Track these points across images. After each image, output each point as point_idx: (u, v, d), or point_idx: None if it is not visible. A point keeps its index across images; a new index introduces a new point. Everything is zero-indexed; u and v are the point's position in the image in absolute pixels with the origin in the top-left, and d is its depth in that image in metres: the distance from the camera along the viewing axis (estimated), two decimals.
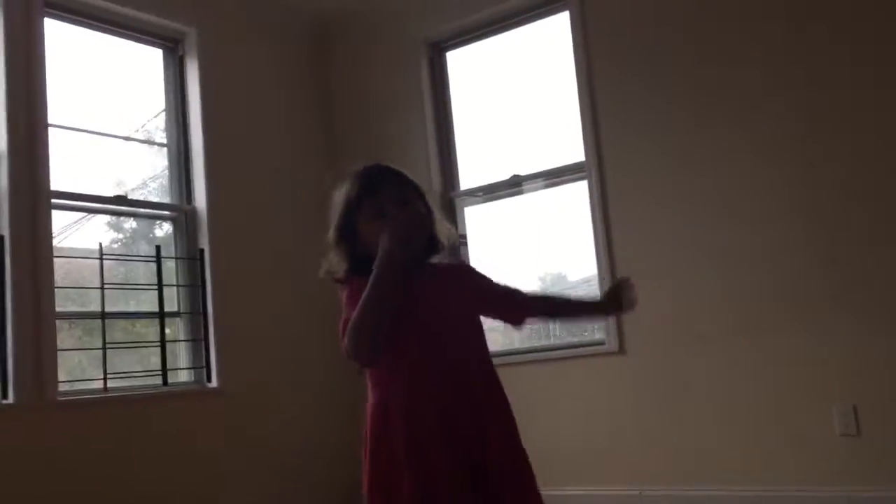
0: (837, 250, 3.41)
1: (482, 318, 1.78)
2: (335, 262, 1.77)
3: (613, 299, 1.85)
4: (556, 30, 4.28)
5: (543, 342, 4.28)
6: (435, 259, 1.81)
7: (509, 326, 1.89)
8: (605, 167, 4.00)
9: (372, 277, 1.62)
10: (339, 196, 1.77)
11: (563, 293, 1.92)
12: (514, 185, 4.43)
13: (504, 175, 4.45)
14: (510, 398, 1.74)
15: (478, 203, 4.64)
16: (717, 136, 3.72)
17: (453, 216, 4.60)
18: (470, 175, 4.65)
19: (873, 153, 3.37)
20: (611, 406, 3.81)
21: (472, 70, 4.71)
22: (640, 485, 3.70)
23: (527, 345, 4.31)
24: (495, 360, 1.78)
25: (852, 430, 3.34)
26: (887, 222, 3.33)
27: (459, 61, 4.74)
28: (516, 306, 1.83)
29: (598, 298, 1.90)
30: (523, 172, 4.40)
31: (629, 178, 3.95)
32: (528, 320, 1.85)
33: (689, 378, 3.63)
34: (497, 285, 1.83)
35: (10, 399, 3.38)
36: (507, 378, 1.78)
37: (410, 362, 1.66)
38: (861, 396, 3.34)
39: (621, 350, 3.80)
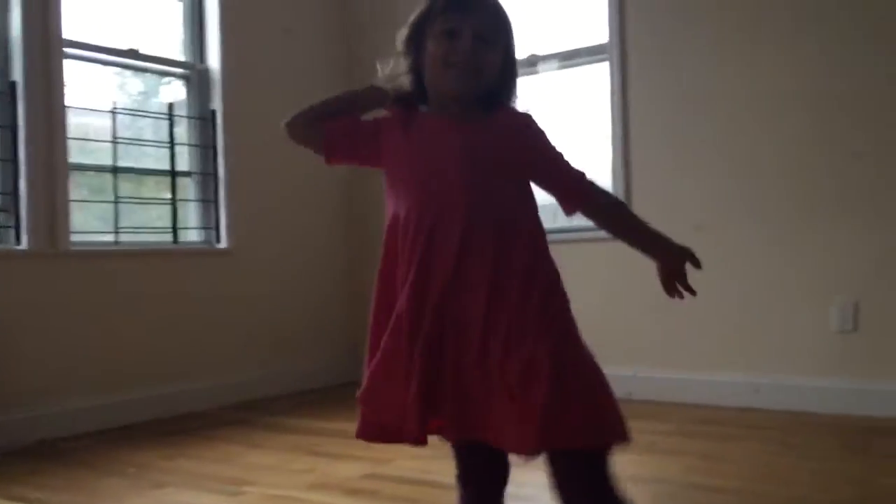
0: (855, 145, 3.39)
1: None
2: (393, 76, 1.54)
3: (672, 268, 1.53)
4: None
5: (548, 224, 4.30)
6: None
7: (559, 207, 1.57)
8: (628, 49, 3.92)
9: (345, 93, 1.61)
10: (417, 11, 1.52)
11: (635, 215, 1.58)
12: (530, 65, 4.35)
13: (522, 54, 4.37)
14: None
15: None
16: (746, 32, 3.63)
17: None
18: None
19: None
20: (609, 289, 3.87)
21: None
22: (634, 366, 3.79)
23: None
24: None
25: (849, 326, 3.41)
26: None
27: None
28: (572, 192, 1.52)
29: (668, 246, 1.53)
30: (541, 52, 4.31)
31: (651, 64, 3.88)
32: (580, 212, 1.54)
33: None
34: (558, 158, 1.51)
35: (24, 245, 3.43)
36: None
37: (405, 208, 1.49)
38: (861, 293, 3.39)
39: None
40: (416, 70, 1.51)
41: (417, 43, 1.50)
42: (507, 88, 1.53)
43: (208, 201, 4.20)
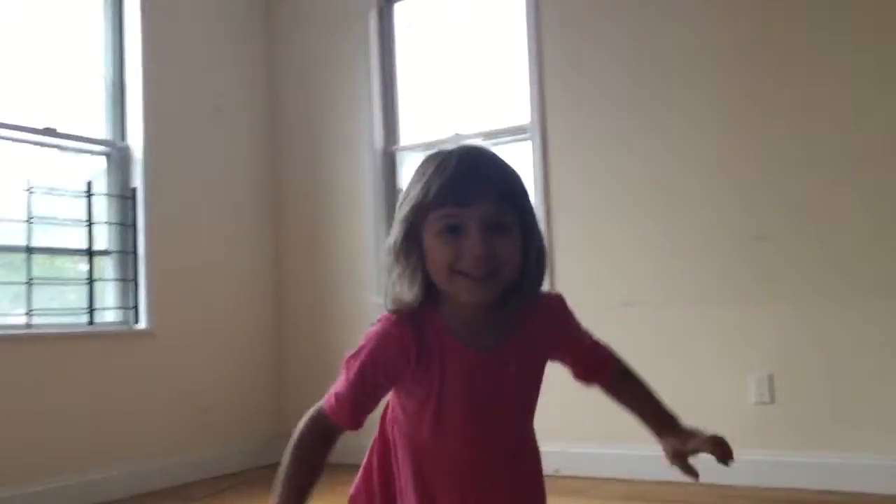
0: (769, 226, 3.54)
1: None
2: (398, 288, 1.22)
3: (681, 455, 1.42)
4: None
5: None
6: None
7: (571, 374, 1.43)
8: (549, 129, 4.04)
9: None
10: (409, 185, 1.23)
11: (647, 386, 1.48)
12: (454, 144, 4.43)
13: (446, 133, 4.46)
14: None
15: (418, 158, 4.63)
16: (662, 104, 3.79)
17: (393, 170, 4.60)
18: (411, 131, 4.64)
19: (810, 126, 3.49)
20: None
21: (420, 23, 4.68)
22: (560, 441, 3.80)
23: None
24: None
25: (766, 399, 3.49)
26: (820, 200, 3.46)
27: (407, 13, 4.70)
28: (593, 367, 1.41)
29: (677, 427, 1.41)
30: (465, 131, 4.41)
31: (572, 142, 4.00)
32: (597, 385, 1.43)
33: (615, 339, 3.73)
34: (584, 336, 1.39)
35: None
36: None
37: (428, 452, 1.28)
38: (777, 366, 3.49)
39: None
40: (421, 269, 1.20)
41: (414, 238, 1.20)
42: (534, 274, 1.24)
43: (127, 280, 4.10)
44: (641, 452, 3.62)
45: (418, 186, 1.19)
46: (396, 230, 1.22)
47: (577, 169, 3.98)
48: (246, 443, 4.40)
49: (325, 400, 1.28)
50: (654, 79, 3.82)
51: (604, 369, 1.39)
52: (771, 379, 3.49)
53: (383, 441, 1.35)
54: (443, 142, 4.41)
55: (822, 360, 3.41)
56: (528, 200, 1.23)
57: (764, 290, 3.53)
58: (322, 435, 1.28)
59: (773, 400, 3.48)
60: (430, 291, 1.22)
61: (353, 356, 1.26)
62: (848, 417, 3.34)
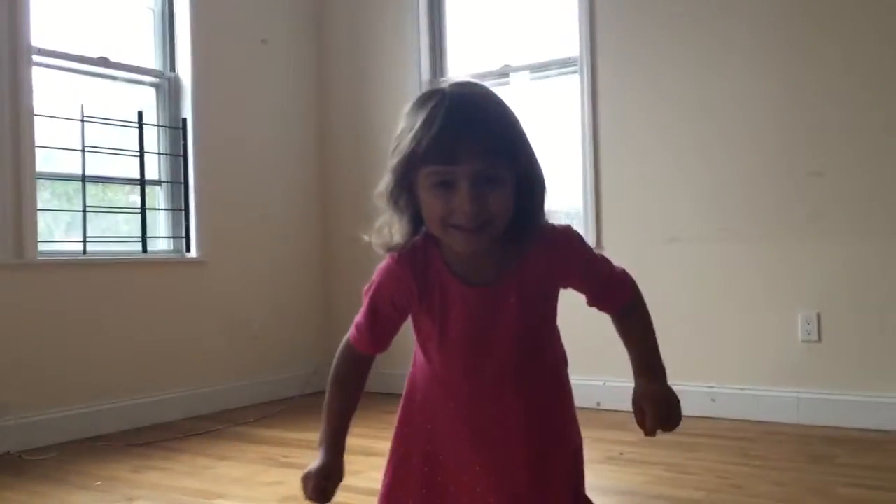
0: (819, 162, 3.46)
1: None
2: (389, 230, 1.26)
3: (641, 407, 1.36)
4: None
5: None
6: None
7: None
8: (598, 62, 3.97)
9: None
10: (400, 132, 1.22)
11: (645, 329, 1.40)
12: (502, 76, 4.39)
13: (494, 65, 4.40)
14: None
15: None
16: (716, 38, 3.70)
17: None
18: (459, 63, 4.59)
19: (853, 67, 3.38)
20: (579, 300, 3.90)
21: None
22: (602, 376, 3.83)
23: None
24: None
25: (814, 337, 3.47)
26: (868, 140, 3.37)
27: None
28: (602, 297, 1.37)
29: (648, 380, 1.38)
30: (513, 63, 4.35)
31: (621, 76, 3.93)
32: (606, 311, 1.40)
33: (662, 275, 3.72)
34: (595, 266, 1.34)
35: None
36: None
37: (441, 375, 1.32)
38: (825, 305, 3.46)
39: (598, 245, 3.87)
40: (410, 214, 1.24)
41: (406, 186, 1.22)
42: (531, 213, 1.23)
43: (178, 210, 4.18)
44: (682, 387, 3.65)
45: (408, 138, 1.18)
46: (388, 179, 1.23)
47: (625, 102, 3.92)
48: (294, 370, 4.52)
49: (350, 330, 1.37)
50: (708, 12, 3.71)
51: (612, 301, 1.37)
52: (819, 317, 3.46)
53: (412, 367, 1.42)
54: (491, 74, 4.37)
55: (870, 300, 3.37)
56: (522, 146, 1.21)
57: (814, 227, 3.48)
58: (352, 363, 1.38)
59: (819, 338, 3.46)
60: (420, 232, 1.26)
61: (367, 289, 1.33)
62: (893, 358, 3.31)
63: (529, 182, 1.22)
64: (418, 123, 1.17)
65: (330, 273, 4.80)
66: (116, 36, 4.09)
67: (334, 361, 1.38)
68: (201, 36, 4.22)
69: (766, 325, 3.57)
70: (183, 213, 4.18)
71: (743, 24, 3.64)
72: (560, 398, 1.36)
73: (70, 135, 3.77)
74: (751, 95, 3.62)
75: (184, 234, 4.18)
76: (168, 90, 4.22)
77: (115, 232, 4.01)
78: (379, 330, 1.33)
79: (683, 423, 1.35)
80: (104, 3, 4.05)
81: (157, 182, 4.17)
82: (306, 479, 1.31)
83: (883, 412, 3.29)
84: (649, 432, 1.30)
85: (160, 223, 4.19)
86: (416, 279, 1.26)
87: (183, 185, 4.18)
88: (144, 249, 4.02)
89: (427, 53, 4.56)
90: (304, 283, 4.72)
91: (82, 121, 3.78)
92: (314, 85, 4.83)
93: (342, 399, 1.38)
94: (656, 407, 1.31)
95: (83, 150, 3.78)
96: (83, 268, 3.73)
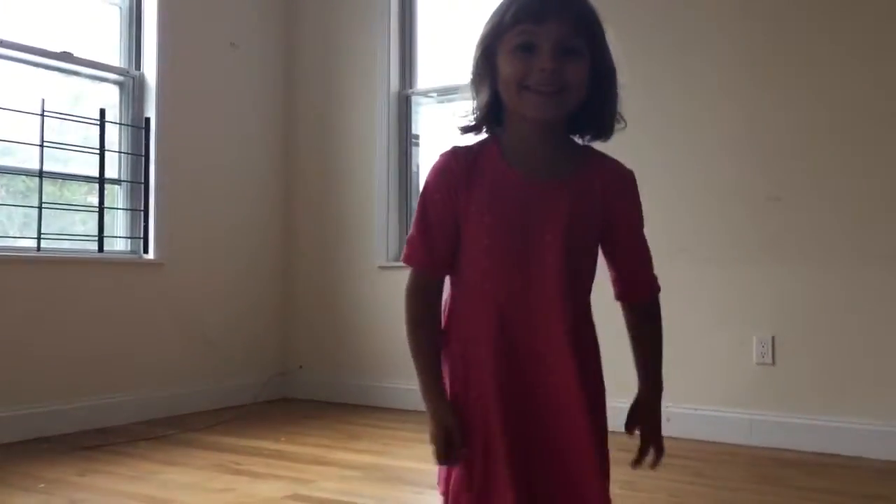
0: (777, 186, 3.52)
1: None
2: (470, 107, 1.29)
3: (644, 435, 1.39)
4: None
5: None
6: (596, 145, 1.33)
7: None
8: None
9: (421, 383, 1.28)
10: (491, 16, 1.28)
11: (655, 342, 1.43)
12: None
13: (463, 78, 4.41)
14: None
15: (432, 104, 4.61)
16: (670, 69, 3.74)
17: (408, 114, 4.57)
18: (428, 75, 4.59)
19: (811, 92, 3.45)
20: None
21: None
22: None
23: None
24: None
25: (768, 360, 3.51)
26: (827, 167, 3.43)
27: None
28: (628, 289, 1.38)
29: (647, 390, 1.40)
30: None
31: None
32: (627, 302, 1.39)
33: None
34: (641, 236, 1.37)
35: None
36: None
37: (474, 287, 1.26)
38: (780, 328, 3.50)
39: None
40: (494, 92, 1.26)
41: (490, 63, 1.25)
42: (603, 109, 1.29)
43: (137, 211, 4.12)
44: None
45: (500, 11, 1.25)
46: (475, 53, 1.27)
47: None
48: (249, 377, 4.46)
49: (403, 253, 1.31)
50: (667, 42, 3.76)
51: (640, 290, 1.38)
52: (773, 340, 3.50)
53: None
54: (459, 87, 4.36)
55: (825, 323, 3.42)
56: (602, 33, 1.26)
57: (771, 251, 3.52)
58: (421, 297, 1.29)
59: (774, 361, 3.50)
60: (497, 123, 1.28)
61: (420, 197, 1.30)
62: (848, 382, 3.36)
63: (604, 71, 1.27)
64: (502, 3, 1.25)
65: (289, 280, 4.76)
66: (81, 31, 4.03)
67: (406, 306, 1.29)
68: (168, 35, 4.17)
69: (722, 346, 3.60)
70: (142, 213, 4.11)
71: (701, 52, 3.69)
72: (594, 349, 1.34)
73: (29, 129, 3.70)
74: (710, 119, 3.66)
75: (142, 235, 4.11)
76: (132, 88, 4.16)
77: (71, 231, 3.93)
78: (431, 238, 1.27)
79: (624, 440, 1.36)
80: None
81: (117, 181, 4.10)
82: (439, 442, 1.24)
83: (836, 436, 3.33)
84: (651, 465, 1.35)
85: (118, 223, 4.12)
86: (465, 166, 1.25)
87: (143, 186, 4.12)
88: (101, 249, 3.95)
89: (397, 63, 4.56)
90: (263, 289, 4.67)
91: (42, 115, 3.71)
92: (281, 90, 4.80)
93: (427, 341, 1.28)
94: (657, 439, 1.36)
95: (41, 146, 3.71)
96: (37, 265, 3.65)
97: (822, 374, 3.42)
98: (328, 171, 4.69)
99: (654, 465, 1.36)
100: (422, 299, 1.29)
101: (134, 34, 4.19)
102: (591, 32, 1.24)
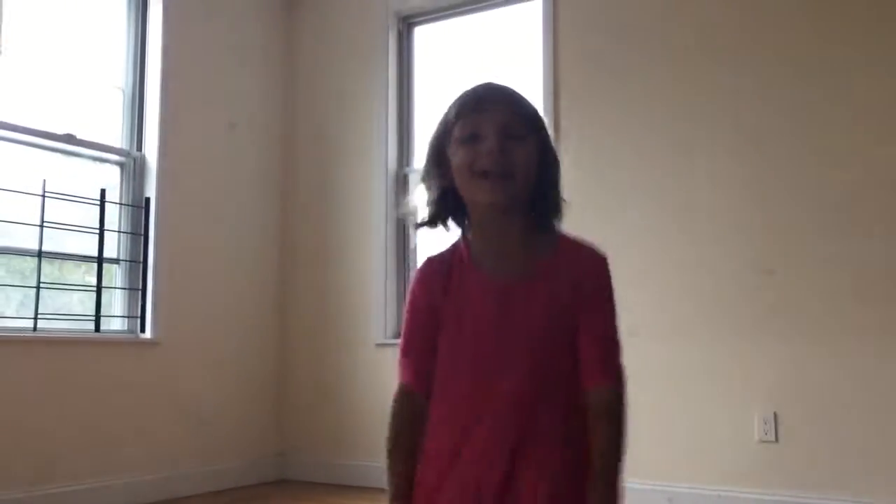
0: (777, 262, 3.53)
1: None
2: (420, 202, 1.34)
3: None
4: (529, 16, 4.30)
5: None
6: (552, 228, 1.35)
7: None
8: (560, 156, 4.04)
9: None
10: (439, 118, 1.36)
11: (607, 443, 1.25)
12: None
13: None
14: None
15: None
16: (667, 144, 3.80)
17: (405, 192, 4.61)
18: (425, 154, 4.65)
19: (806, 165, 3.49)
20: None
21: (438, 47, 4.71)
22: None
23: None
24: None
25: (770, 437, 3.46)
26: (825, 241, 3.45)
27: (426, 37, 4.73)
28: (592, 363, 1.29)
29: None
30: None
31: (581, 171, 4.00)
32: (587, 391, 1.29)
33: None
34: (609, 317, 1.34)
35: None
36: None
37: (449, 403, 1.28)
38: (782, 405, 3.46)
39: None
40: (448, 188, 1.31)
41: (442, 159, 1.32)
42: (552, 183, 1.33)
43: (135, 290, 4.11)
44: (638, 486, 3.61)
45: (446, 112, 1.34)
46: (426, 152, 1.35)
47: (584, 199, 3.96)
48: (245, 459, 4.38)
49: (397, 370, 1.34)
50: (667, 116, 3.82)
51: (594, 375, 1.27)
52: (776, 417, 3.46)
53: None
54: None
55: (828, 400, 3.38)
56: (542, 121, 1.34)
57: (769, 325, 3.51)
58: (404, 411, 1.31)
59: (777, 438, 3.45)
60: (461, 223, 1.33)
61: (405, 312, 1.36)
62: (852, 460, 3.31)
63: (549, 155, 1.33)
64: (454, 102, 1.34)
65: (286, 364, 4.73)
66: (85, 113, 4.10)
67: (390, 413, 1.32)
68: (169, 117, 4.24)
69: (723, 424, 3.56)
70: (140, 292, 4.11)
71: (698, 124, 3.74)
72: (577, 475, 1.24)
73: (30, 209, 3.72)
74: (706, 196, 3.69)
75: (139, 315, 4.10)
76: (133, 169, 4.21)
77: (69, 310, 3.92)
78: (417, 355, 1.30)
79: None
80: (73, 80, 4.06)
81: (115, 261, 4.11)
82: None
83: None
84: None
85: (116, 302, 4.12)
86: (442, 274, 1.31)
87: (142, 265, 4.13)
88: (98, 328, 3.93)
89: (395, 142, 4.62)
90: (259, 371, 4.62)
91: (43, 196, 3.75)
92: (280, 170, 4.86)
93: (401, 457, 1.29)
94: None
95: (41, 226, 3.73)
96: (32, 345, 3.63)
97: (825, 450, 3.36)
98: (325, 250, 4.70)
99: None
100: (404, 414, 1.31)
101: (136, 116, 4.26)
102: (532, 121, 1.31)
